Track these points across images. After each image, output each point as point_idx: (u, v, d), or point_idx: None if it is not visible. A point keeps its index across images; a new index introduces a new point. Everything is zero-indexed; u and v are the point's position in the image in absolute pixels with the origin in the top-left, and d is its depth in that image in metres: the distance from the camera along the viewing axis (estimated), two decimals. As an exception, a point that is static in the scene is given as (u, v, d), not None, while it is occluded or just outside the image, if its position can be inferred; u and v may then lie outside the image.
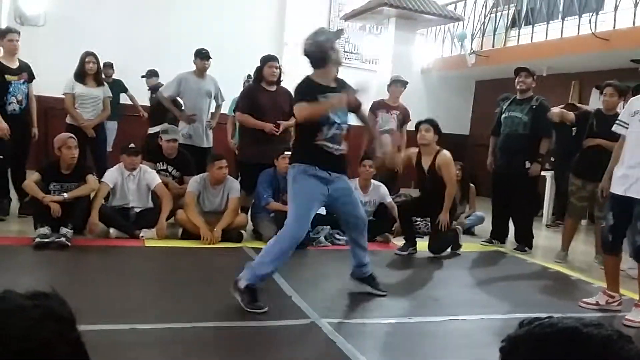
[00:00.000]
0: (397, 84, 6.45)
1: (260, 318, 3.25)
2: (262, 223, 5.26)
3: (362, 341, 3.00)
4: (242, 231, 5.24)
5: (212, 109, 6.33)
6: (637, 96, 3.95)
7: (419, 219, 6.17)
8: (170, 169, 5.63)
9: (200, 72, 6.07)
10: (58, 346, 0.71)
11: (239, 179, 5.54)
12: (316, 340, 3.01)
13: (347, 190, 3.64)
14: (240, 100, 5.65)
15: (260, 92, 5.58)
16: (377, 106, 6.46)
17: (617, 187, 3.83)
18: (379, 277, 3.93)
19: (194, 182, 5.20)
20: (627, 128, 3.88)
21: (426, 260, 5.11)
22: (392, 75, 6.40)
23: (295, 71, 6.67)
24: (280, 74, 5.62)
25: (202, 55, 6.02)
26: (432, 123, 5.19)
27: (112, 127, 7.65)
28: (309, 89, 3.49)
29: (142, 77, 8.20)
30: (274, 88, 5.60)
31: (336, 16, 9.42)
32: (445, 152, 5.16)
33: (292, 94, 5.64)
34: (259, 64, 5.63)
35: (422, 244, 5.45)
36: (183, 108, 6.13)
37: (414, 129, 5.45)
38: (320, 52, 3.47)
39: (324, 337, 3.02)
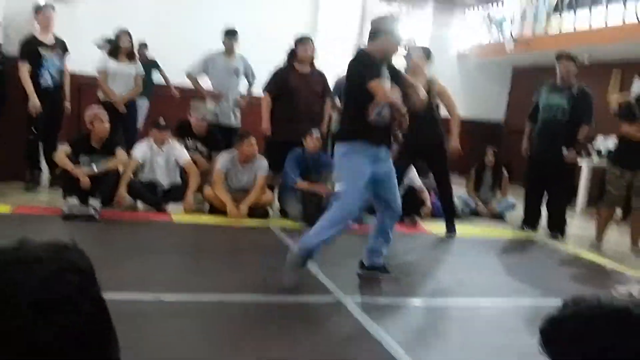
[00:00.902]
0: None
1: (285, 294, 3.22)
2: (289, 202, 5.21)
3: (388, 320, 2.94)
4: (269, 209, 5.21)
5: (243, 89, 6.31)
6: None
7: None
8: (198, 145, 5.63)
9: (228, 51, 6.05)
10: (78, 299, 0.66)
11: (267, 157, 5.49)
12: (341, 318, 2.96)
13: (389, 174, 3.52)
14: (269, 81, 5.59)
15: (292, 73, 5.51)
16: None
17: None
18: (403, 259, 3.87)
19: (222, 159, 5.19)
20: None
21: (455, 243, 5.01)
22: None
23: (327, 57, 6.62)
24: (313, 56, 5.55)
25: (229, 34, 6.01)
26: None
27: (142, 105, 7.69)
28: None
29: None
30: (307, 69, 5.53)
31: (371, -2, 9.28)
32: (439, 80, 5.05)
33: (324, 75, 5.69)
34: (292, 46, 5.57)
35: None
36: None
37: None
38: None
39: (349, 315, 2.97)
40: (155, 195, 5.08)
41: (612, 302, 0.80)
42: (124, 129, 5.89)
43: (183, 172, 5.25)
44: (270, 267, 3.86)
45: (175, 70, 8.19)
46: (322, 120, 5.68)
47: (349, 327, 2.86)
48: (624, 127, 5.05)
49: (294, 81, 5.46)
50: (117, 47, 5.85)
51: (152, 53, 8.19)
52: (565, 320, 0.82)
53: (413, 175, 5.61)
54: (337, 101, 5.79)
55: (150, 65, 7.82)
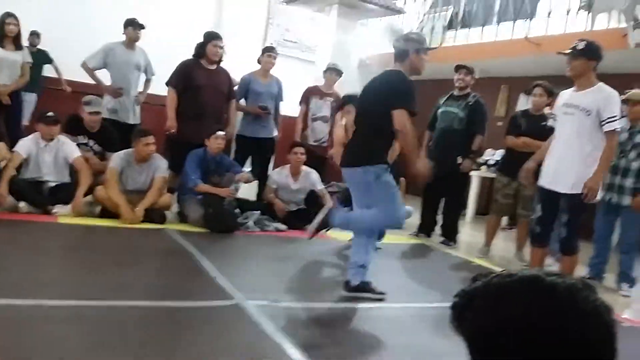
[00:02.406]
0: (332, 72, 6.32)
1: (180, 298, 3.11)
2: (189, 205, 5.04)
3: (288, 324, 2.89)
4: (167, 212, 5.00)
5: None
6: (565, 90, 4.02)
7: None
8: (91, 143, 5.30)
9: (131, 42, 5.76)
10: None
11: (167, 156, 5.28)
12: (240, 321, 2.87)
13: None
14: (174, 76, 5.37)
15: (199, 69, 5.35)
16: (311, 92, 6.32)
17: (544, 180, 3.91)
18: (306, 264, 3.86)
19: (117, 158, 4.91)
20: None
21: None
22: (328, 62, 6.26)
23: (231, 54, 6.50)
24: (222, 54, 5.43)
25: (134, 25, 5.70)
26: None
27: (30, 100, 7.15)
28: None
29: None
30: (213, 67, 5.40)
31: (277, 1, 9.23)
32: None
33: (230, 75, 5.57)
34: (201, 40, 5.40)
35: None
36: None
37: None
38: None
39: (248, 319, 2.88)
40: (41, 195, 4.71)
41: (521, 272, 0.81)
42: (7, 123, 5.45)
43: (73, 171, 4.92)
44: (166, 272, 3.72)
45: (68, 64, 7.72)
46: (228, 121, 5.57)
47: (249, 331, 2.78)
48: (510, 140, 5.34)
49: (200, 78, 5.30)
50: (2, 32, 5.39)
51: (44, 44, 7.66)
52: (477, 293, 0.81)
53: (315, 179, 5.62)
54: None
55: (41, 56, 7.30)
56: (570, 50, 3.72)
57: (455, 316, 0.83)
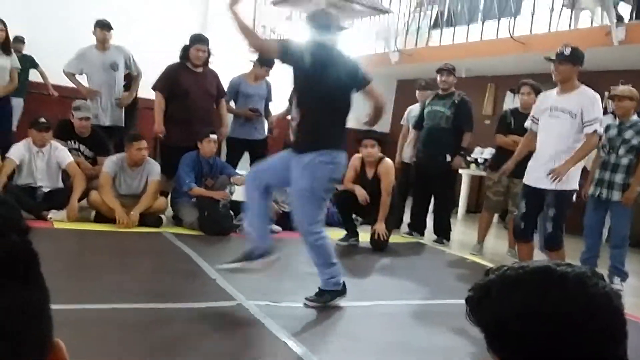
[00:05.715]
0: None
1: (183, 300, 3.12)
2: (183, 208, 5.04)
3: (290, 323, 2.92)
4: (162, 216, 5.00)
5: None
6: (546, 93, 4.14)
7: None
8: (82, 148, 5.29)
9: (101, 44, 5.69)
10: (7, 232, 0.56)
11: (160, 160, 5.27)
12: (243, 321, 2.90)
13: None
14: (161, 80, 5.36)
15: (185, 72, 5.35)
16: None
17: (530, 178, 4.06)
18: (302, 264, 3.89)
19: (110, 162, 4.90)
20: (537, 124, 4.10)
21: (350, 249, 5.11)
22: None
23: (218, 57, 6.49)
24: (207, 57, 5.42)
25: (101, 25, 5.64)
26: (376, 137, 5.23)
27: (17, 105, 7.09)
28: None
29: None
30: (200, 69, 5.40)
31: (263, 2, 9.22)
32: (387, 160, 5.22)
33: (218, 76, 5.55)
34: (187, 43, 5.40)
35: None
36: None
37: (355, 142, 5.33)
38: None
39: (251, 318, 2.91)
40: (34, 201, 4.69)
41: (532, 264, 0.84)
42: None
43: (66, 176, 4.90)
44: (166, 274, 3.73)
45: (53, 68, 7.66)
46: (221, 121, 5.58)
47: (254, 330, 2.82)
48: (500, 138, 5.42)
49: (187, 81, 5.30)
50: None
51: (29, 49, 7.60)
52: (491, 285, 0.84)
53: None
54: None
55: (26, 61, 7.24)
56: (557, 56, 3.87)
57: (471, 308, 0.85)
